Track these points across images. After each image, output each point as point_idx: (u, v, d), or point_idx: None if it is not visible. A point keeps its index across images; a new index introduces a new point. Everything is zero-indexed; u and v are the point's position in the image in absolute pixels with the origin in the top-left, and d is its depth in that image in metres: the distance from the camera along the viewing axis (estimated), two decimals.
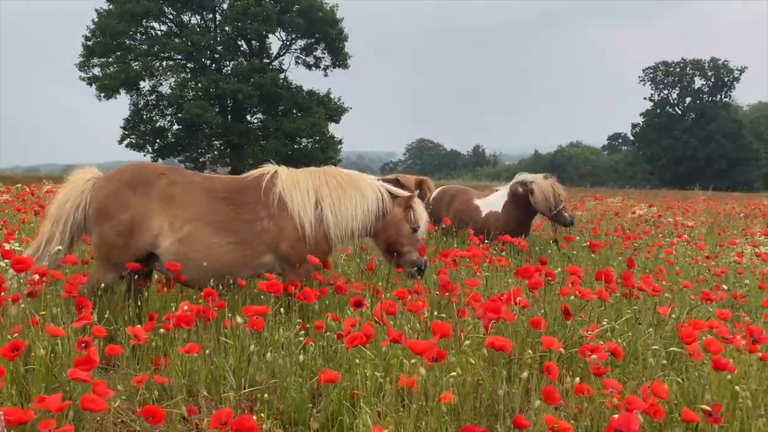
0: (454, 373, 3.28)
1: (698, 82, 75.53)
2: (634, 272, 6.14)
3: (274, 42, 51.34)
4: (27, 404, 3.23)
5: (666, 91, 77.12)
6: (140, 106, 47.72)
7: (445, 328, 3.30)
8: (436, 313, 4.52)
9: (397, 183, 9.74)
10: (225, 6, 47.91)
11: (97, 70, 45.72)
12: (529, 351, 3.77)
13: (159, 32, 47.85)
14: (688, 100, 76.01)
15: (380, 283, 5.73)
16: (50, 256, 5.01)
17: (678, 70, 75.43)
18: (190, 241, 4.97)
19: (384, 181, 6.48)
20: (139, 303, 5.01)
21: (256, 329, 3.85)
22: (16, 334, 3.65)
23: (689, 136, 71.35)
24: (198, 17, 49.05)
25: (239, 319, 3.98)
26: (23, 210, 9.71)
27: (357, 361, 3.64)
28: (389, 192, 5.65)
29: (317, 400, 3.74)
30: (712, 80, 74.36)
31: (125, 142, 47.21)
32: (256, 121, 49.49)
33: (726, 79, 73.77)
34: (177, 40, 46.38)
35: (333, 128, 49.52)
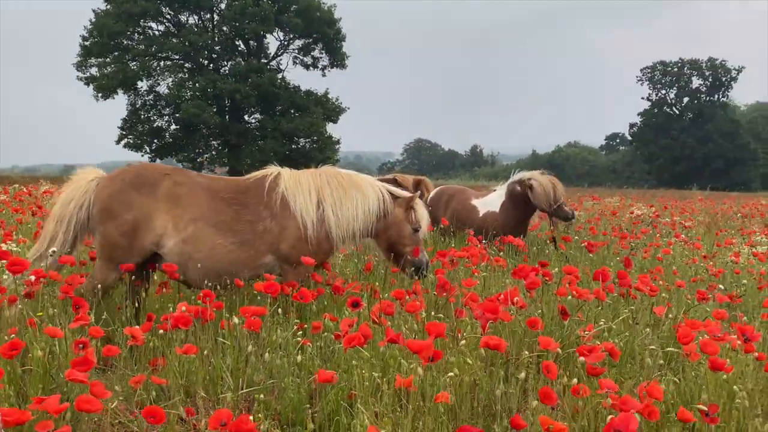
0: (451, 374, 3.28)
1: (696, 82, 75.65)
2: (631, 272, 6.15)
3: (272, 42, 51.29)
4: (24, 405, 3.23)
5: (664, 91, 77.21)
6: (138, 106, 47.67)
7: (440, 328, 3.30)
8: (433, 313, 4.53)
9: (395, 183, 9.74)
10: (223, 6, 47.90)
11: (94, 70, 45.71)
12: (526, 351, 3.78)
13: (156, 32, 47.83)
14: (685, 99, 76.08)
15: (377, 284, 5.74)
16: (48, 257, 5.01)
17: (676, 70, 75.51)
18: (194, 242, 5.00)
19: (382, 180, 6.49)
20: (137, 304, 5.01)
21: (254, 330, 3.85)
22: (13, 335, 3.64)
23: (687, 136, 71.43)
24: (195, 17, 49.03)
25: (236, 320, 3.99)
26: (21, 210, 9.70)
27: (354, 361, 3.65)
28: (390, 192, 5.67)
29: (315, 400, 3.74)
30: (710, 80, 74.43)
31: (123, 142, 47.17)
32: (253, 121, 49.47)
33: (723, 79, 73.86)
34: (174, 40, 46.34)
35: (331, 128, 49.59)
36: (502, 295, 4.31)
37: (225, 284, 5.04)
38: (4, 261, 4.42)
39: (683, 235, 11.48)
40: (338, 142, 50.00)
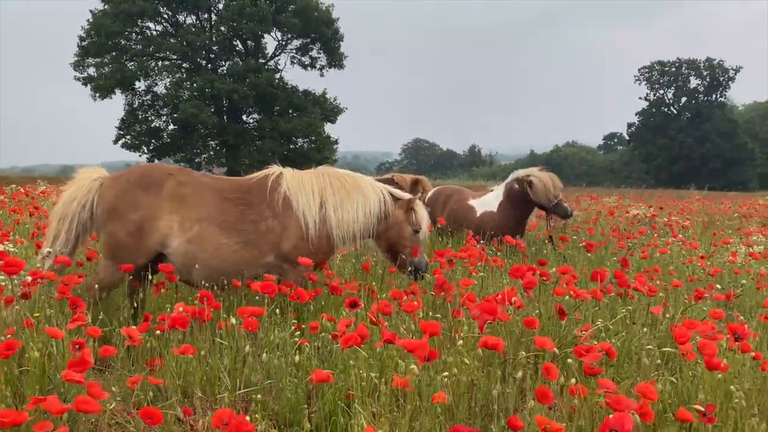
0: (446, 373, 3.28)
1: (694, 82, 75.67)
2: (628, 272, 6.16)
3: (270, 42, 51.27)
4: (21, 406, 3.23)
5: (661, 91, 77.27)
6: (135, 106, 47.63)
7: (434, 327, 3.30)
8: (431, 313, 4.53)
9: (392, 182, 9.75)
10: (220, 6, 47.82)
11: (92, 70, 45.67)
12: (522, 352, 3.78)
13: (154, 32, 47.76)
14: (683, 99, 76.13)
15: (375, 284, 5.74)
16: (43, 258, 5.02)
17: (673, 69, 75.56)
18: (199, 241, 5.02)
19: (380, 180, 6.50)
20: (135, 304, 5.01)
21: (251, 330, 3.85)
22: (9, 336, 3.63)
23: (685, 136, 71.48)
24: (193, 17, 48.97)
25: (234, 320, 3.98)
26: (18, 211, 9.68)
27: (351, 362, 3.65)
28: (391, 194, 5.69)
29: (312, 400, 3.74)
30: (708, 80, 74.50)
31: (120, 142, 47.12)
32: (251, 121, 49.43)
33: (721, 78, 73.93)
34: (172, 40, 46.29)
35: (329, 128, 49.57)
36: (499, 295, 4.31)
37: (223, 285, 5.06)
38: (1, 261, 4.40)
39: (681, 235, 11.49)
40: (336, 142, 49.99)
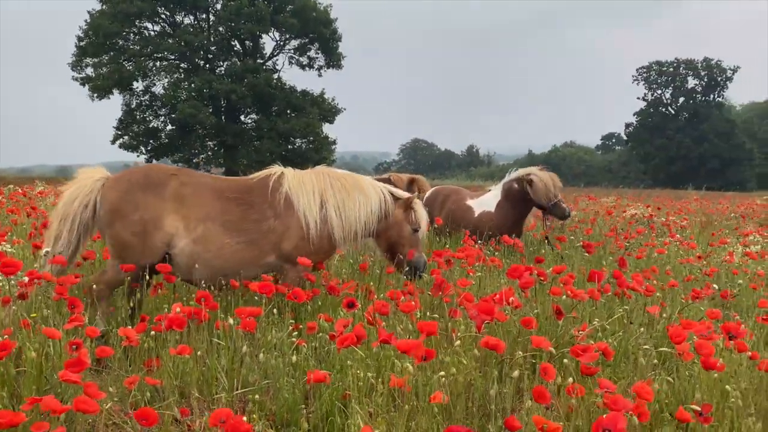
0: (443, 373, 3.28)
1: (691, 82, 75.81)
2: (626, 272, 6.17)
3: (268, 42, 51.27)
4: (18, 407, 3.22)
5: (659, 91, 77.36)
6: (133, 106, 47.59)
7: (431, 327, 3.30)
8: (428, 313, 4.53)
9: (389, 182, 9.75)
10: (218, 6, 47.79)
11: (90, 71, 45.64)
12: (519, 351, 3.78)
13: (152, 32, 47.74)
14: (681, 99, 76.26)
15: (372, 284, 5.75)
16: (43, 258, 5.02)
17: (671, 70, 75.68)
18: (204, 242, 5.05)
19: (377, 180, 6.51)
20: (132, 304, 5.01)
21: (249, 330, 3.85)
22: (6, 336, 3.63)
23: (682, 136, 71.58)
24: (191, 17, 48.95)
25: (232, 321, 3.98)
26: (16, 211, 9.67)
27: (349, 362, 3.65)
28: (391, 193, 5.71)
29: (310, 400, 3.74)
30: (705, 80, 74.62)
31: (118, 143, 47.10)
32: (249, 121, 49.42)
33: (719, 78, 74.05)
34: (170, 41, 46.26)
35: (327, 128, 49.58)
36: (497, 295, 4.31)
37: (221, 285, 5.07)
38: None
39: (678, 235, 11.50)
40: (334, 142, 49.98)
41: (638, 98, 77.77)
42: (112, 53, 45.59)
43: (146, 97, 48.00)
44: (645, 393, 2.89)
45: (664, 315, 5.03)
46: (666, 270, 7.47)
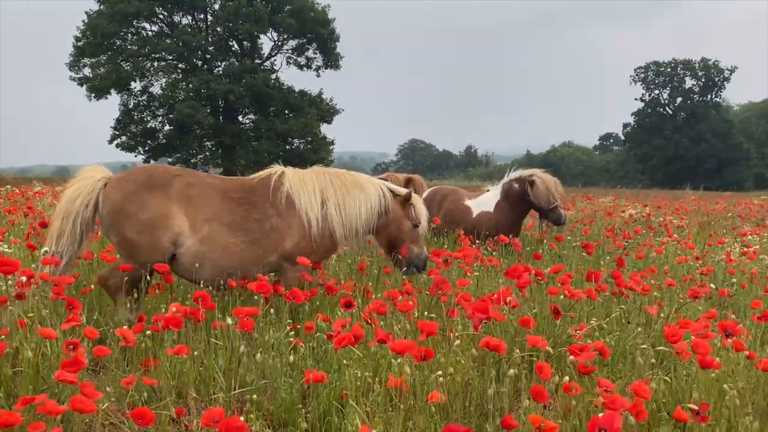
0: (440, 372, 3.28)
1: (689, 82, 75.89)
2: (624, 271, 6.17)
3: (266, 42, 51.21)
4: (15, 407, 3.22)
5: (657, 91, 77.44)
6: (130, 106, 47.52)
7: (431, 327, 3.31)
8: (426, 313, 4.53)
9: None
10: (216, 6, 47.76)
11: (87, 71, 45.56)
12: (517, 350, 3.78)
13: (150, 33, 47.67)
14: (678, 100, 76.33)
15: (370, 284, 5.75)
16: (40, 258, 5.02)
17: (669, 70, 75.75)
18: (209, 241, 5.08)
19: None
20: (130, 305, 5.00)
21: (247, 330, 3.84)
22: (3, 336, 3.63)
23: (680, 136, 71.66)
24: (189, 18, 48.88)
25: (230, 321, 3.98)
26: (13, 211, 9.65)
27: (345, 361, 3.65)
28: (390, 190, 5.74)
29: (307, 400, 3.74)
30: (703, 80, 74.69)
31: (116, 143, 47.03)
32: (247, 121, 49.38)
33: (716, 79, 74.14)
34: (168, 41, 46.19)
35: (325, 129, 49.53)
36: (495, 295, 4.32)
37: (219, 285, 5.08)
38: None
39: (676, 235, 11.51)
40: (332, 142, 49.96)
41: (636, 99, 77.90)
42: (109, 53, 45.50)
43: (144, 97, 47.92)
44: (642, 392, 2.89)
45: (662, 315, 5.03)
46: (664, 270, 7.47)
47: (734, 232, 13.29)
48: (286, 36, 49.47)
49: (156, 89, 47.85)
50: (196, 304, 4.15)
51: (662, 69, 76.05)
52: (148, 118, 48.17)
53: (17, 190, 15.58)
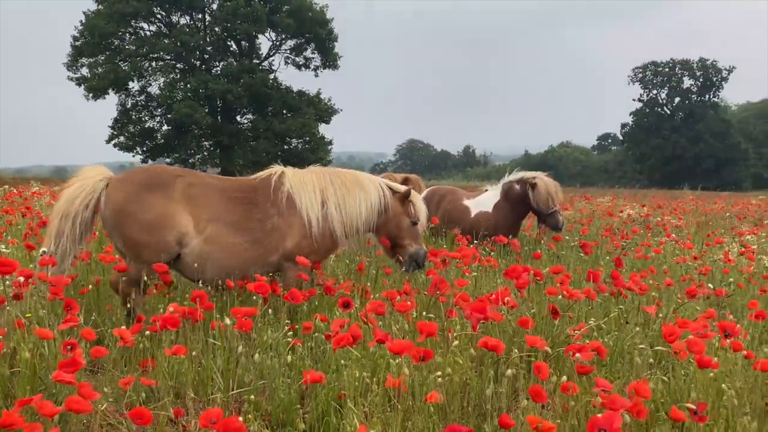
0: (439, 373, 3.28)
1: (687, 82, 75.94)
2: (622, 271, 6.18)
3: (264, 42, 51.25)
4: (12, 409, 3.21)
5: (655, 91, 77.48)
6: (128, 106, 47.47)
7: (431, 328, 3.31)
8: (424, 313, 4.53)
9: None
10: (214, 6, 47.72)
11: (85, 71, 45.51)
12: (515, 350, 3.78)
13: (148, 33, 47.60)
14: (676, 100, 76.36)
15: (369, 284, 5.76)
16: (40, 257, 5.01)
17: (667, 70, 75.79)
18: (213, 241, 5.10)
19: None
20: (128, 305, 5.00)
21: (245, 330, 3.84)
22: (0, 337, 3.62)
23: (678, 136, 71.70)
24: (187, 18, 48.84)
25: (227, 321, 3.98)
26: (11, 211, 9.64)
27: (343, 361, 3.65)
28: (390, 187, 5.77)
29: (306, 401, 3.74)
30: (701, 80, 74.74)
31: (114, 143, 46.98)
32: (245, 121, 49.35)
33: (714, 79, 74.20)
34: (166, 41, 46.14)
35: (323, 129, 49.52)
36: (493, 295, 4.32)
37: (217, 285, 5.09)
38: None
39: (674, 235, 11.53)
40: (331, 142, 49.95)
41: (634, 100, 77.97)
42: (107, 53, 45.45)
43: (142, 97, 47.87)
44: (643, 390, 2.89)
45: (660, 315, 5.04)
46: (663, 269, 7.48)
47: (732, 232, 13.30)
48: (284, 36, 49.45)
49: (154, 89, 47.87)
50: (194, 304, 4.15)
51: (660, 69, 76.09)
52: (146, 118, 48.13)
53: (15, 191, 15.56)
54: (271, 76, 48.29)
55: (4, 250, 6.36)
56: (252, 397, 3.55)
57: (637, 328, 4.67)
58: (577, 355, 3.36)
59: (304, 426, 3.19)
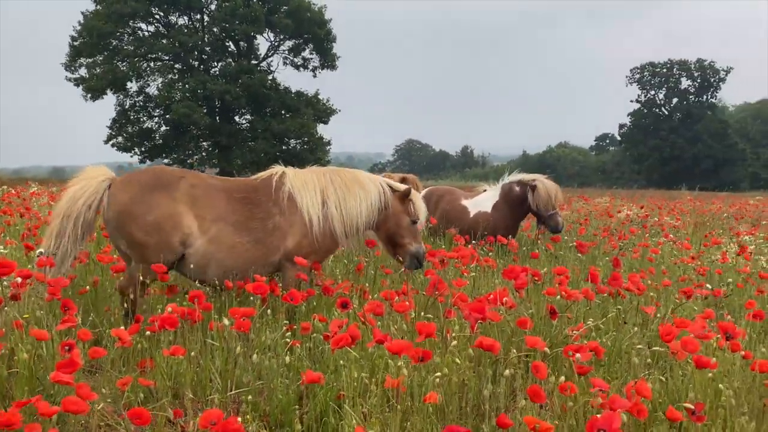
0: (438, 373, 3.29)
1: (685, 83, 76.00)
2: (620, 271, 6.18)
3: (262, 43, 51.11)
4: (10, 410, 3.21)
5: (653, 92, 77.54)
6: (126, 107, 47.43)
7: (430, 328, 3.31)
8: (422, 313, 4.53)
9: None
10: (213, 7, 47.74)
11: (84, 71, 45.49)
12: (514, 350, 3.79)
13: (146, 33, 47.58)
14: (674, 100, 76.42)
15: (367, 284, 5.76)
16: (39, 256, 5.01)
17: (664, 70, 75.85)
18: (217, 242, 5.12)
19: None
20: (126, 305, 5.00)
21: (243, 331, 3.84)
22: None
23: (676, 137, 71.75)
24: (186, 18, 48.83)
25: (226, 321, 3.98)
26: (9, 212, 9.64)
27: (342, 362, 3.65)
28: (389, 186, 5.79)
29: (304, 401, 3.74)
30: (699, 81, 74.82)
31: (112, 143, 46.94)
32: (244, 122, 49.34)
33: (712, 79, 74.28)
34: (164, 41, 46.14)
35: (322, 129, 49.52)
36: (491, 296, 4.32)
37: (215, 285, 5.10)
38: None
39: (672, 235, 11.53)
40: (329, 143, 49.97)
41: (632, 101, 78.01)
42: (105, 54, 45.42)
43: (140, 97, 47.84)
44: (644, 390, 2.90)
45: (658, 315, 5.04)
46: (662, 270, 7.48)
47: (730, 233, 13.31)
48: (282, 36, 49.45)
49: (152, 89, 47.85)
50: (192, 305, 4.15)
51: (658, 69, 76.15)
52: (145, 118, 48.11)
53: (13, 191, 15.54)
54: (270, 77, 48.29)
55: (2, 250, 6.36)
56: (250, 397, 3.55)
57: (636, 329, 4.68)
58: (577, 355, 3.36)
59: (302, 427, 3.19)
